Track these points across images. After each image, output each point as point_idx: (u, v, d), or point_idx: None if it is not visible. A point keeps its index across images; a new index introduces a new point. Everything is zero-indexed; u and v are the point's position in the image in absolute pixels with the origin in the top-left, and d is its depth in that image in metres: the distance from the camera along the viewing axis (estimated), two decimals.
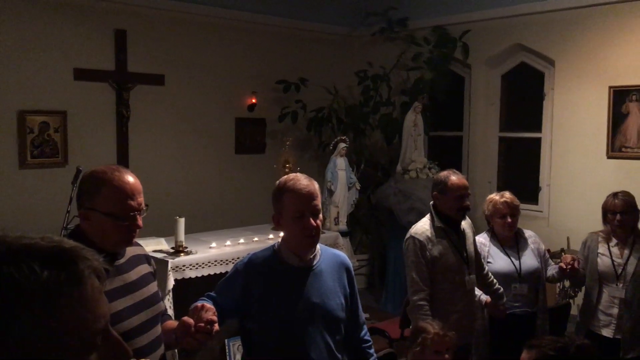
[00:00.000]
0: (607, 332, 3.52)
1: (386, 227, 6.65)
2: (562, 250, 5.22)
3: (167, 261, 4.10)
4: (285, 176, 2.25)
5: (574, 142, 5.76)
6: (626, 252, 3.51)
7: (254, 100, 6.63)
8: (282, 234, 2.33)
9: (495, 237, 3.65)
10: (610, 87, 5.43)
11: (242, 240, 4.74)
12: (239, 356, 4.18)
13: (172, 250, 4.29)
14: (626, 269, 3.48)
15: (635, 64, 5.31)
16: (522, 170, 6.49)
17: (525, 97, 6.45)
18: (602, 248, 3.58)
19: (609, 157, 5.49)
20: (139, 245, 2.17)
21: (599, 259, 3.57)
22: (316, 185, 2.21)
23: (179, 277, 4.14)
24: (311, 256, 2.22)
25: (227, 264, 4.37)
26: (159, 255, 4.18)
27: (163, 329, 2.09)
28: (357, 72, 6.83)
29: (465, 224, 3.28)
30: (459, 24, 6.44)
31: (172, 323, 2.15)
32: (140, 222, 1.94)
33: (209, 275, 4.28)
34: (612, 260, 3.52)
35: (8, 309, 0.79)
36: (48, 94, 5.30)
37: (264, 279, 2.18)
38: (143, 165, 5.66)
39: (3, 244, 0.84)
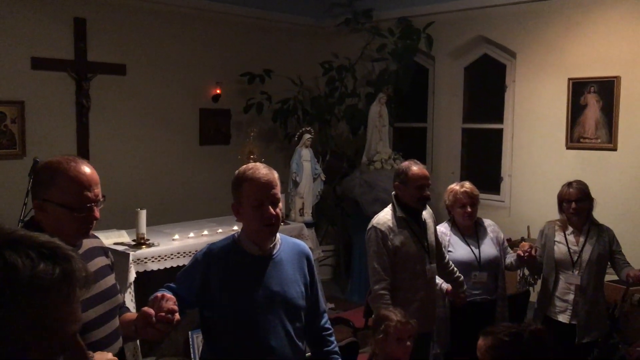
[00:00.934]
0: (563, 318, 3.61)
1: (352, 217, 6.69)
2: (523, 239, 5.33)
3: (129, 254, 4.04)
4: (245, 165, 2.25)
5: (535, 133, 5.87)
6: (582, 239, 3.61)
7: (218, 91, 6.57)
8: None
9: (455, 227, 3.71)
10: (569, 79, 5.54)
11: (205, 232, 4.70)
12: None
13: (133, 243, 4.22)
14: (582, 256, 3.57)
15: (594, 56, 5.43)
16: (484, 161, 6.59)
17: (487, 88, 6.54)
18: (558, 236, 3.67)
19: (568, 148, 5.61)
20: (97, 237, 2.14)
21: (555, 247, 3.65)
22: (275, 175, 2.21)
23: (141, 270, 4.08)
24: (271, 245, 2.22)
25: (190, 255, 4.31)
26: (120, 248, 4.12)
27: (121, 321, 2.07)
28: (322, 63, 6.82)
29: (427, 214, 3.33)
30: (423, 16, 6.48)
31: (131, 315, 2.13)
32: (97, 213, 1.92)
33: (172, 267, 4.23)
34: (569, 248, 3.61)
35: None
36: (5, 83, 5.16)
37: (224, 268, 2.18)
38: (104, 156, 5.58)
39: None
